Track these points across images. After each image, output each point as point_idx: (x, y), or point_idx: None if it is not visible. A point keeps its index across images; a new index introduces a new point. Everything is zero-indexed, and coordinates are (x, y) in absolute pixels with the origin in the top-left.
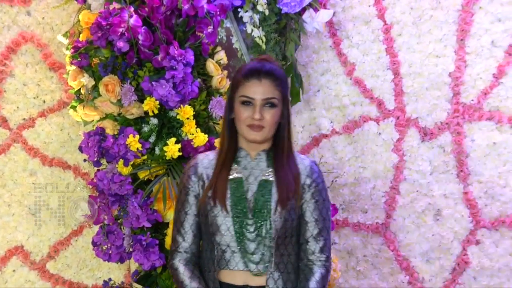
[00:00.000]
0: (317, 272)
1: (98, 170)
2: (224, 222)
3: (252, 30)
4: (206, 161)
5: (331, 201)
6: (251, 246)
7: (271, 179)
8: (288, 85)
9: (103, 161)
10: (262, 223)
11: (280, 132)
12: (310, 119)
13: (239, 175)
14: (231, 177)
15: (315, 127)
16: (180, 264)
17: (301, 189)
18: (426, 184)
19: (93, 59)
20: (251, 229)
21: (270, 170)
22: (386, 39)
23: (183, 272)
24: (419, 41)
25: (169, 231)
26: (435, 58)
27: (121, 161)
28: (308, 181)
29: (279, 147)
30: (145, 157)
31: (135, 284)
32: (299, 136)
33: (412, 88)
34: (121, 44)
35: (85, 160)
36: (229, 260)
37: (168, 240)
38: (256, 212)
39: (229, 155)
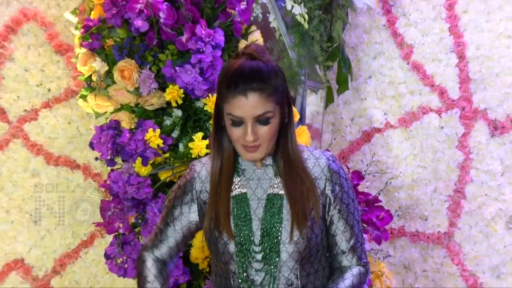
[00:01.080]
0: (355, 268)
1: (112, 170)
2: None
3: (292, 7)
4: (204, 173)
5: (385, 206)
6: (258, 277)
7: (280, 192)
8: (284, 78)
9: (118, 160)
10: (271, 249)
11: (283, 132)
12: (360, 111)
13: (243, 190)
14: (233, 193)
15: (366, 120)
16: (149, 258)
17: (323, 197)
18: (497, 187)
19: (107, 40)
20: (258, 257)
21: (279, 180)
22: (450, 16)
23: (150, 267)
24: (488, 19)
25: (195, 241)
26: (506, 39)
27: (138, 160)
28: (330, 187)
29: (285, 151)
30: (167, 155)
31: None
32: (347, 130)
33: (480, 74)
34: (139, 23)
35: (96, 159)
36: None
37: (193, 253)
38: (264, 237)
39: (227, 166)
